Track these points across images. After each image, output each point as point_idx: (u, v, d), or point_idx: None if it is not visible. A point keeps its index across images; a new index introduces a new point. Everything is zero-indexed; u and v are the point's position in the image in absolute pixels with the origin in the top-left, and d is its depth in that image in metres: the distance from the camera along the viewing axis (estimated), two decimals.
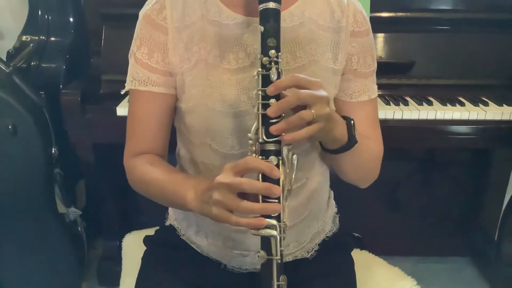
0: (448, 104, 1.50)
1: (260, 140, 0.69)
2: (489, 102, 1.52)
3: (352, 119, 0.80)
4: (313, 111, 0.68)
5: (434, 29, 1.64)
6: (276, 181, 0.67)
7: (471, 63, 1.61)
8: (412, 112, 1.46)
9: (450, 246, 1.95)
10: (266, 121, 0.68)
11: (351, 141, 0.79)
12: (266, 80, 0.69)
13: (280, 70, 0.70)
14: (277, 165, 0.68)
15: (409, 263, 1.85)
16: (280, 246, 0.68)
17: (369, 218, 1.77)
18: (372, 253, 1.12)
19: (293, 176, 0.70)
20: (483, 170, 1.87)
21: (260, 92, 0.69)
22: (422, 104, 1.50)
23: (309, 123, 0.69)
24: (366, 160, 0.88)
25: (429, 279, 1.81)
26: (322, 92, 0.69)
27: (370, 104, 0.90)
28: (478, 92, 1.57)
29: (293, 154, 0.70)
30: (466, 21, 1.62)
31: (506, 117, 1.46)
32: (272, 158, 0.68)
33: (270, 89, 0.68)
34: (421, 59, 1.61)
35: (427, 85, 1.60)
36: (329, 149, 0.82)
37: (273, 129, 0.68)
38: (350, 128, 0.79)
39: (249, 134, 0.70)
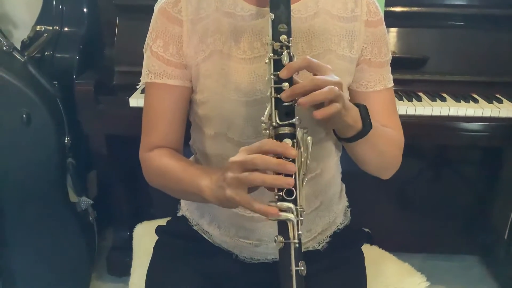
0: (461, 100, 1.49)
1: (274, 123, 0.68)
2: (503, 99, 1.51)
3: (364, 105, 0.79)
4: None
5: (448, 25, 1.63)
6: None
7: (485, 59, 1.60)
8: (425, 108, 1.45)
9: (460, 244, 1.94)
10: (279, 104, 0.68)
11: (366, 127, 0.78)
12: (278, 65, 0.69)
13: (292, 54, 0.70)
14: None
15: (418, 260, 1.84)
16: (298, 230, 0.67)
17: (379, 214, 1.77)
18: (382, 249, 1.12)
19: (309, 159, 0.69)
20: (494, 168, 1.86)
21: (272, 77, 0.69)
22: (435, 100, 1.49)
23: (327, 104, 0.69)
24: (386, 148, 0.87)
25: (438, 276, 1.79)
26: (335, 77, 0.69)
27: (386, 94, 0.90)
28: (492, 89, 1.56)
29: (307, 136, 0.69)
30: (481, 17, 1.60)
31: None
32: (287, 141, 0.68)
33: (283, 72, 0.68)
34: (435, 54, 1.60)
35: (441, 81, 1.59)
36: (345, 138, 0.81)
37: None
38: (364, 113, 0.78)
39: (262, 118, 0.69)
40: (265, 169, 0.66)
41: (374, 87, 0.89)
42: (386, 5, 1.50)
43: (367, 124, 0.78)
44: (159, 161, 0.86)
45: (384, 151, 0.87)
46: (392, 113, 0.92)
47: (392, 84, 0.92)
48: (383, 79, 0.90)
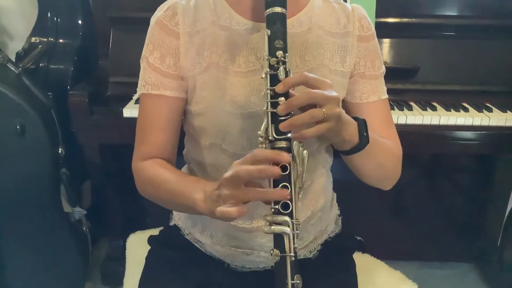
0: (452, 109, 1.51)
1: (270, 137, 0.69)
2: (493, 108, 1.53)
3: (364, 119, 0.80)
4: (324, 110, 0.68)
5: (439, 35, 1.65)
6: (288, 179, 0.68)
7: (475, 69, 1.61)
8: (416, 117, 1.46)
9: (453, 251, 1.95)
10: (275, 119, 0.69)
11: (362, 142, 0.79)
12: (274, 80, 0.70)
13: (288, 69, 0.71)
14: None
15: (412, 268, 1.84)
16: (294, 243, 0.68)
17: (372, 222, 1.78)
18: (375, 257, 1.13)
19: (304, 173, 0.70)
20: (487, 175, 1.87)
21: (269, 91, 0.70)
22: (426, 109, 1.50)
23: (319, 122, 0.69)
24: (385, 159, 0.87)
25: (432, 284, 1.81)
26: (333, 92, 0.70)
27: (381, 105, 0.91)
28: (482, 98, 1.58)
29: (303, 150, 0.70)
30: (471, 27, 1.63)
31: (510, 123, 1.46)
32: None
33: (279, 87, 0.69)
34: (425, 64, 1.62)
35: (432, 91, 1.60)
36: (343, 151, 0.82)
37: (282, 126, 0.68)
38: (361, 128, 0.79)
39: (258, 132, 0.70)
40: (251, 179, 0.67)
41: (368, 98, 0.90)
42: (378, 16, 1.52)
43: (364, 138, 0.79)
44: (152, 171, 0.87)
45: (383, 163, 0.87)
46: (388, 125, 0.92)
47: (386, 96, 0.92)
48: (377, 91, 0.91)
